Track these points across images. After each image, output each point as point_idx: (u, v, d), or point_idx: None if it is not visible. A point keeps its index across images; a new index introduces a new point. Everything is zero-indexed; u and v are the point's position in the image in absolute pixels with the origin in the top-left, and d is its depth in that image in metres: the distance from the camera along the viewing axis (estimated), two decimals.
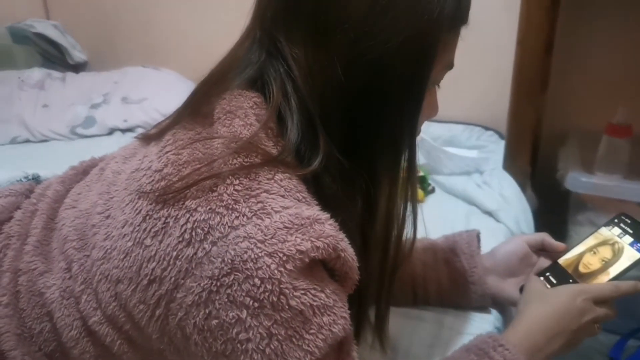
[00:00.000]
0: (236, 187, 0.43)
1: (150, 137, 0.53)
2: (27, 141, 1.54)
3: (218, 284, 0.41)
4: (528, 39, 0.98)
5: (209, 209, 0.42)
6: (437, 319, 0.74)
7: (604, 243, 0.67)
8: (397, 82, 0.47)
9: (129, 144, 0.58)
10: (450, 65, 0.54)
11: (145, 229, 0.44)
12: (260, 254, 0.40)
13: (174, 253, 0.43)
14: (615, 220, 0.69)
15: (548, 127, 1.52)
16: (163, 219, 0.44)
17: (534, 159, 1.49)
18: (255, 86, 0.50)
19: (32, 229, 0.54)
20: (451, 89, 1.76)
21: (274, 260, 0.40)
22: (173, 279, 0.43)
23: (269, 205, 0.43)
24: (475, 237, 0.77)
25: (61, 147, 1.48)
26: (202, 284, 0.41)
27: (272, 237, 0.41)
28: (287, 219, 0.42)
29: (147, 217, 0.45)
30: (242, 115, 0.48)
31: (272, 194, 0.44)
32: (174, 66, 1.80)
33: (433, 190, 1.13)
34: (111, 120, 1.58)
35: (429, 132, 1.36)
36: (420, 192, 1.10)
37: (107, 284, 0.47)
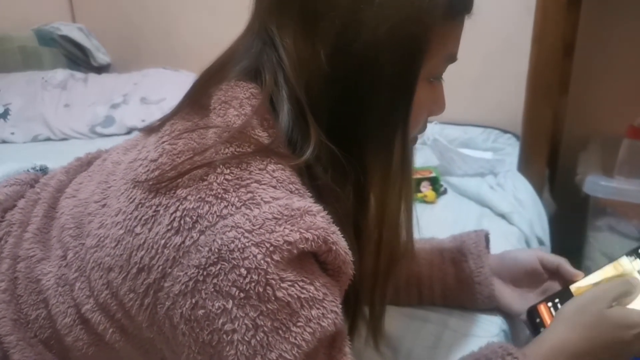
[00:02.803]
0: (227, 177, 0.43)
1: (152, 129, 0.53)
2: (48, 139, 1.58)
3: (205, 273, 0.41)
4: (544, 38, 0.96)
5: (199, 197, 0.42)
6: (441, 320, 0.72)
7: (622, 276, 0.61)
8: (386, 73, 0.46)
9: (134, 136, 0.59)
10: (452, 58, 0.52)
11: (136, 217, 0.45)
12: (247, 244, 0.40)
13: (162, 241, 0.42)
14: (639, 251, 0.63)
15: (569, 131, 1.49)
16: (154, 207, 0.44)
17: (554, 163, 1.45)
18: (252, 77, 0.50)
19: (33, 217, 0.55)
20: (469, 91, 1.75)
21: (261, 251, 0.40)
22: (161, 267, 0.42)
23: (259, 196, 0.42)
24: (484, 237, 0.76)
25: (80, 145, 1.51)
26: (189, 273, 0.41)
27: (260, 227, 0.41)
28: (276, 209, 0.42)
29: (140, 206, 0.45)
30: (237, 106, 0.48)
31: (263, 184, 0.43)
32: (195, 69, 1.82)
33: (445, 192, 1.11)
34: (130, 119, 1.60)
35: (444, 134, 1.35)
36: (432, 193, 1.08)
37: (100, 272, 0.47)
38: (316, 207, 0.44)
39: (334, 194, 0.48)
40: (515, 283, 0.72)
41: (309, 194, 0.46)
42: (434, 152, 1.16)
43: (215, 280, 0.40)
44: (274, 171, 0.45)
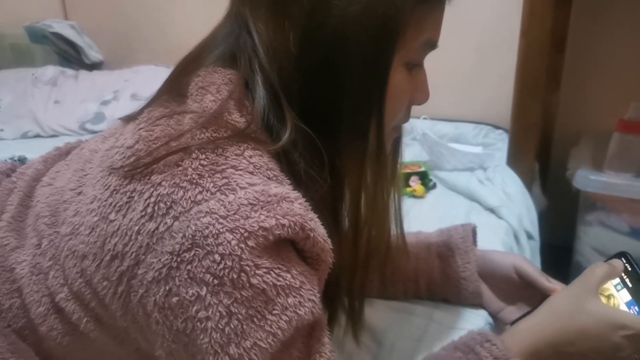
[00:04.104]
0: (202, 162, 0.42)
1: (131, 118, 0.53)
2: (38, 136, 1.57)
3: (178, 259, 0.40)
4: (531, 32, 0.96)
5: (173, 183, 0.42)
6: (427, 313, 0.72)
7: (600, 293, 0.57)
8: (356, 56, 0.46)
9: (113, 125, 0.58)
10: (431, 45, 0.52)
11: (111, 204, 0.44)
12: (221, 230, 0.39)
13: (136, 228, 0.42)
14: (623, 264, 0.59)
15: (561, 126, 1.49)
16: (129, 193, 0.43)
17: (545, 158, 1.45)
18: (230, 62, 0.50)
19: (8, 206, 0.54)
20: (461, 87, 1.75)
21: (235, 237, 0.39)
22: (134, 254, 0.42)
23: (234, 182, 0.42)
24: (471, 232, 0.75)
25: (69, 141, 1.50)
26: (162, 260, 0.40)
27: (234, 213, 0.40)
28: (252, 195, 0.41)
29: (114, 192, 0.44)
30: (214, 91, 0.47)
31: (240, 170, 0.43)
32: None
33: (434, 186, 1.11)
34: (120, 116, 1.58)
35: (435, 129, 1.34)
36: (421, 188, 1.08)
37: (74, 260, 0.46)
38: (294, 194, 0.43)
39: (311, 180, 0.48)
40: (492, 286, 0.71)
41: (287, 180, 0.46)
42: (424, 147, 1.16)
43: (189, 267, 0.40)
44: (251, 157, 0.44)
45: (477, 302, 0.73)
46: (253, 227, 0.39)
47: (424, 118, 1.37)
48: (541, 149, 1.44)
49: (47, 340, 0.50)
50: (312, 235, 0.43)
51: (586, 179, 1.07)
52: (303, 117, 0.47)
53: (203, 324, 0.40)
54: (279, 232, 0.40)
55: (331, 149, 0.49)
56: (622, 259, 0.59)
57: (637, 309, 0.56)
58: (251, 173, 0.43)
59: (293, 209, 0.42)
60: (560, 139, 1.46)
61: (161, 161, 0.43)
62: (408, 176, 1.09)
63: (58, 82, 1.71)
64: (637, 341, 0.52)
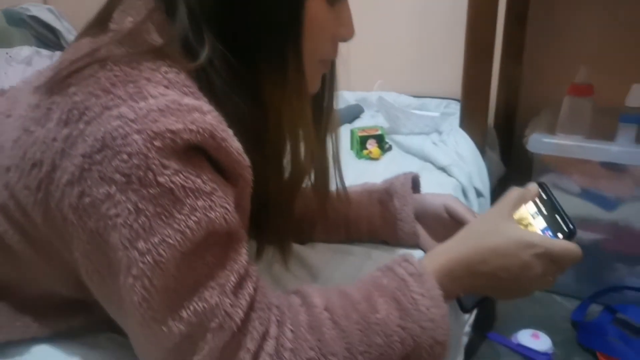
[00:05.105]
0: (116, 73, 0.44)
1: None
2: None
3: (90, 161, 0.42)
4: (479, 2, 0.99)
5: (87, 92, 0.44)
6: (365, 253, 0.74)
7: (518, 222, 0.59)
8: None
9: None
10: None
11: (32, 118, 0.47)
12: (129, 131, 0.41)
13: (52, 135, 0.44)
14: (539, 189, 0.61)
15: (525, 99, 1.52)
16: (48, 105, 0.46)
17: (509, 129, 1.49)
18: None
19: None
20: (427, 64, 1.76)
21: (142, 137, 0.41)
22: (51, 160, 0.44)
23: (147, 91, 0.43)
24: (411, 179, 0.78)
25: None
26: (75, 162, 0.43)
27: (144, 117, 0.42)
28: (163, 103, 0.43)
29: (36, 108, 0.47)
30: (135, 14, 0.50)
31: (154, 82, 0.44)
32: None
33: (390, 149, 1.14)
34: None
35: (399, 100, 1.37)
36: (377, 150, 1.10)
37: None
38: (208, 107, 0.45)
39: (230, 101, 0.50)
40: (426, 225, 0.74)
41: (205, 99, 0.47)
42: (380, 111, 1.18)
43: (99, 167, 0.42)
44: (166, 72, 0.46)
45: (413, 243, 0.75)
46: (160, 128, 0.41)
47: (389, 92, 1.40)
48: (504, 120, 1.48)
49: None
50: (224, 145, 0.45)
51: (539, 142, 1.10)
52: (223, 43, 0.49)
53: (113, 221, 0.42)
54: (187, 137, 0.42)
55: (251, 76, 0.51)
56: (540, 189, 0.61)
57: (550, 234, 0.58)
58: (165, 87, 0.45)
59: (204, 119, 0.44)
60: (525, 110, 1.49)
61: (77, 74, 0.45)
62: (365, 139, 1.11)
63: (33, 62, 1.72)
64: (546, 260, 0.54)
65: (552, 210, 0.59)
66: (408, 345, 0.49)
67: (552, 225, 0.58)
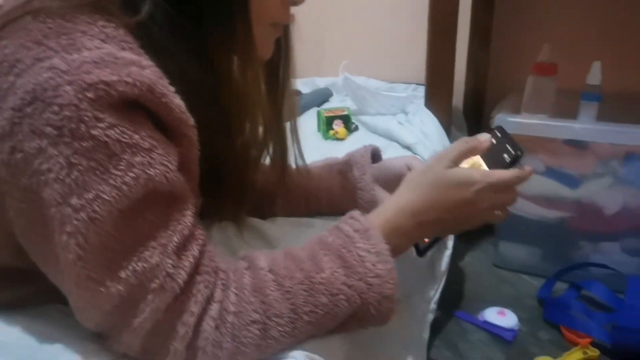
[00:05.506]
0: (49, 25, 0.43)
1: None
2: None
3: (20, 114, 0.40)
4: None
5: (19, 44, 0.42)
6: (325, 225, 0.72)
7: (472, 167, 0.60)
8: None
9: None
10: None
11: None
12: (61, 83, 0.40)
13: None
14: (491, 136, 0.61)
15: (493, 83, 1.54)
16: None
17: (477, 112, 1.50)
18: None
19: None
20: (395, 50, 1.76)
21: (74, 88, 0.40)
22: None
23: (81, 43, 0.42)
24: (370, 150, 0.78)
25: None
26: (5, 116, 0.41)
27: (77, 69, 0.40)
28: (97, 55, 0.41)
29: None
30: None
31: (89, 35, 0.43)
32: None
33: (357, 129, 1.13)
34: None
35: (368, 84, 1.37)
36: (343, 130, 1.10)
37: None
38: (147, 62, 0.43)
39: (172, 57, 0.48)
40: (389, 189, 0.74)
41: (145, 56, 0.46)
42: (346, 92, 1.18)
43: (30, 121, 0.40)
44: (104, 27, 0.44)
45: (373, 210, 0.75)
46: (93, 79, 0.40)
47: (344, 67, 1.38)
48: (473, 102, 1.49)
49: None
50: (164, 100, 0.43)
51: (504, 121, 1.10)
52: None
53: (45, 177, 0.40)
54: (122, 89, 0.40)
55: (198, 35, 0.50)
56: (497, 131, 0.61)
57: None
58: (102, 40, 0.43)
59: (142, 72, 0.42)
60: (494, 93, 1.50)
61: (9, 25, 0.43)
62: (331, 120, 1.11)
63: None
64: (490, 192, 0.54)
65: (503, 140, 0.59)
66: (354, 302, 0.49)
67: (500, 156, 0.58)
